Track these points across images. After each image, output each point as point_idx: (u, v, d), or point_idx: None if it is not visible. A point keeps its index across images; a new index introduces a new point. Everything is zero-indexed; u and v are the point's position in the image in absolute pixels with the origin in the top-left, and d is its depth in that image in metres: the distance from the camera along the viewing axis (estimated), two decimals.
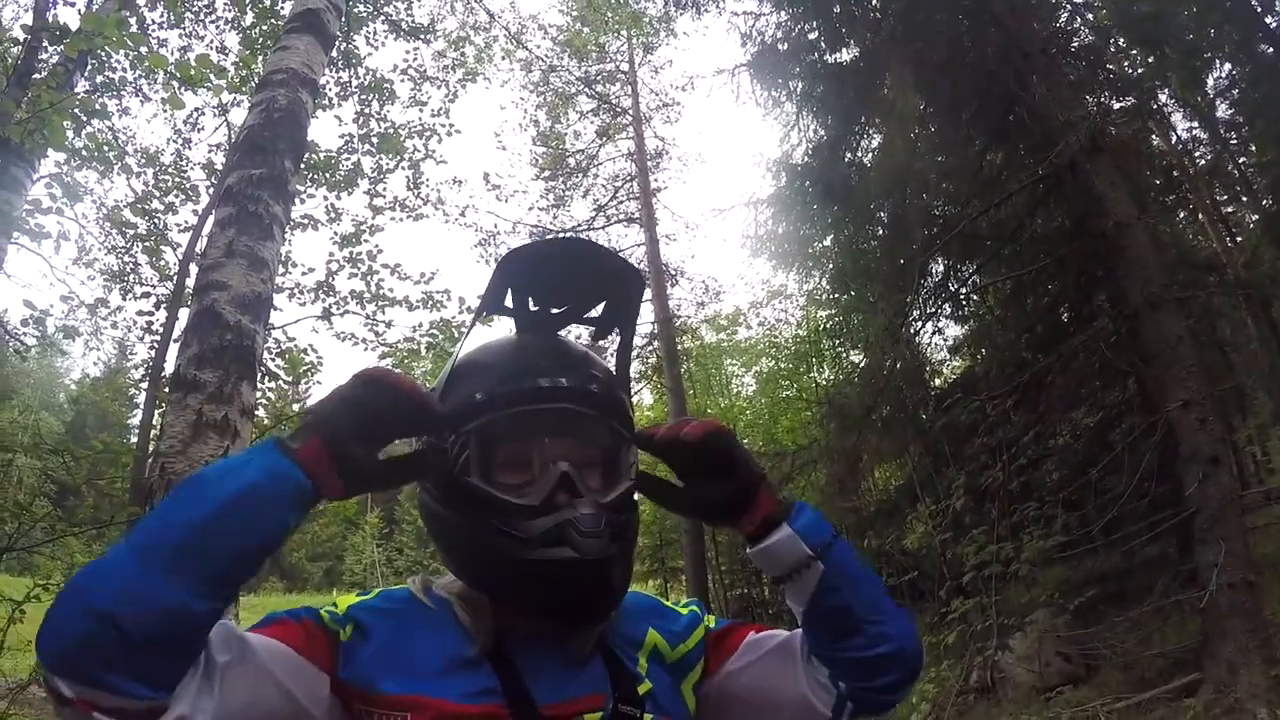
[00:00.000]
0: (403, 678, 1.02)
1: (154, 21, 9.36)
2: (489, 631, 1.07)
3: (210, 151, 10.59)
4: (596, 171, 19.78)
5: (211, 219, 4.18)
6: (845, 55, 10.39)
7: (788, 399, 20.29)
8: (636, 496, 1.16)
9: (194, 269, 8.03)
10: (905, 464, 11.04)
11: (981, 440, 8.52)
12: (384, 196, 10.57)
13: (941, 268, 9.64)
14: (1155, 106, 10.52)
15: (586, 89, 18.95)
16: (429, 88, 11.01)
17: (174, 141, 10.58)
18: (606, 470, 1.13)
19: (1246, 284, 10.29)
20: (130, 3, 6.66)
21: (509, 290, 1.18)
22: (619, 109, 19.44)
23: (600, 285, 1.22)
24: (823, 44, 10.28)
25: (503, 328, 1.24)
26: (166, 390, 3.74)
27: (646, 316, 17.95)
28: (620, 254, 1.23)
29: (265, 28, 8.70)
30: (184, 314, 7.10)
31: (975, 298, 10.24)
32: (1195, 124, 12.02)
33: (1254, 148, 10.97)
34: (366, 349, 9.98)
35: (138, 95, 9.80)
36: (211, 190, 9.90)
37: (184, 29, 9.86)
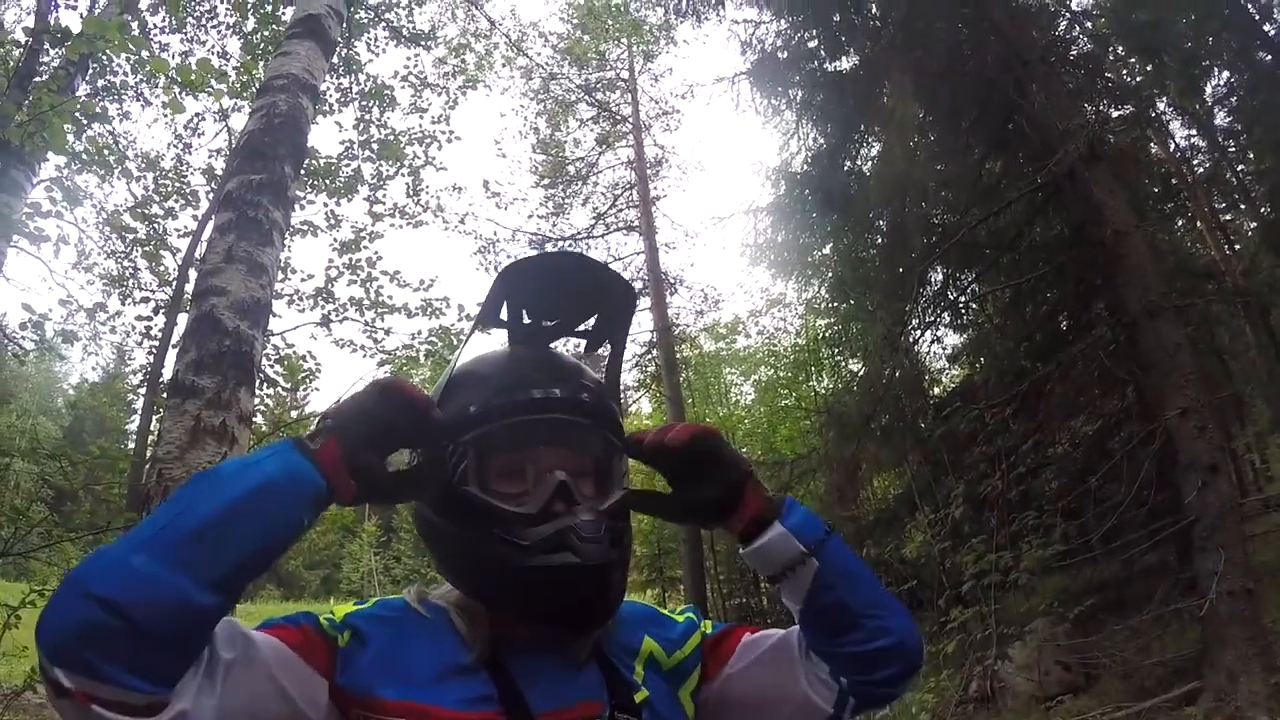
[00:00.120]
0: (400, 685, 1.01)
1: (156, 26, 9.38)
2: (485, 639, 1.07)
3: (210, 156, 10.60)
4: (596, 179, 19.82)
5: (211, 224, 4.17)
6: (845, 63, 10.41)
7: (786, 408, 20.32)
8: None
9: (193, 274, 8.03)
10: (904, 473, 11.03)
11: (980, 449, 8.53)
12: (384, 203, 10.61)
13: (940, 276, 9.64)
14: (1154, 114, 10.54)
15: (586, 97, 18.99)
16: (429, 94, 11.05)
17: (174, 146, 10.59)
18: (600, 479, 1.14)
19: (1245, 292, 10.30)
20: (132, 6, 6.66)
21: (505, 302, 1.20)
22: (619, 117, 19.47)
23: (593, 299, 1.24)
24: (822, 52, 10.29)
25: (500, 339, 1.26)
26: (164, 396, 3.73)
27: (646, 325, 18.00)
28: (613, 268, 1.23)
29: (266, 33, 8.71)
30: (183, 319, 7.10)
31: (974, 306, 10.24)
32: (1194, 132, 12.06)
33: (1252, 155, 11.02)
34: (365, 356, 9.98)
35: (139, 99, 9.81)
36: (211, 195, 9.90)
37: (185, 34, 9.88)
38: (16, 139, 5.48)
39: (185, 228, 10.39)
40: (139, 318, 10.09)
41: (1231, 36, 9.47)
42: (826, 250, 11.96)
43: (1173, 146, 12.44)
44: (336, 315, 9.83)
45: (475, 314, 1.22)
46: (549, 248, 18.39)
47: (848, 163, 10.64)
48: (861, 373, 11.11)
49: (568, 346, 1.31)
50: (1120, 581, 7.74)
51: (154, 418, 9.70)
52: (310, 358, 9.82)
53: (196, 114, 10.49)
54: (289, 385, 10.17)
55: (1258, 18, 9.62)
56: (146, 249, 9.93)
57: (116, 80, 9.33)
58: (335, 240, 10.07)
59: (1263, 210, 11.41)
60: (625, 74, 19.66)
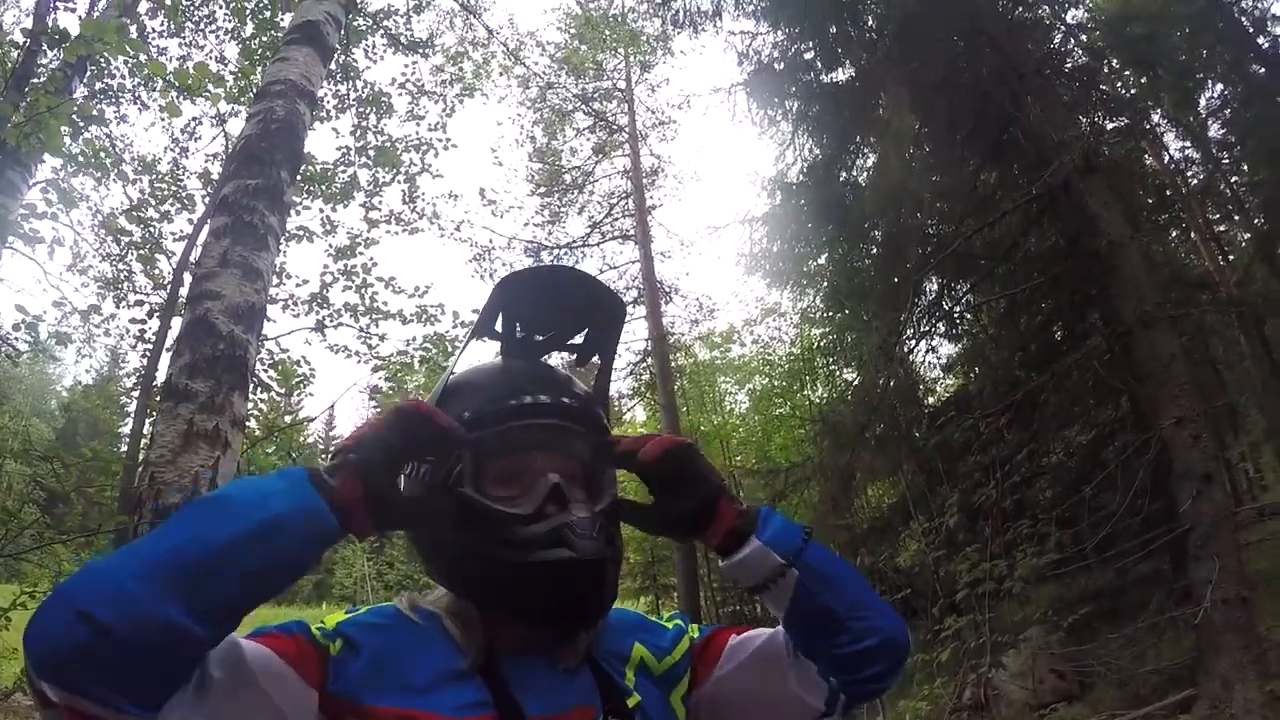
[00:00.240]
0: (394, 692, 1.01)
1: (154, 30, 9.38)
2: (480, 645, 1.08)
3: (207, 161, 10.53)
4: (592, 188, 19.87)
5: (206, 228, 4.16)
6: (841, 75, 10.45)
7: (781, 416, 20.33)
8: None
9: (188, 278, 8.01)
10: (899, 482, 11.04)
11: (975, 458, 8.54)
12: (380, 210, 10.56)
13: (935, 286, 9.67)
14: (1148, 126, 10.59)
15: (583, 106, 19.01)
16: (426, 102, 11.02)
17: (171, 150, 10.57)
18: (590, 484, 1.15)
19: (1239, 302, 10.35)
20: (131, 10, 6.67)
21: (500, 315, 1.23)
22: (615, 126, 19.51)
23: (585, 314, 1.27)
24: (819, 64, 10.32)
25: (493, 349, 1.31)
26: (158, 399, 3.72)
27: (640, 333, 18.01)
28: (605, 284, 1.26)
29: (265, 39, 8.71)
30: (177, 323, 7.08)
31: (969, 316, 10.27)
32: (1188, 144, 12.12)
33: (1246, 167, 11.08)
34: (360, 362, 9.96)
35: (136, 103, 9.80)
36: (207, 200, 9.88)
37: (184, 38, 9.88)
38: (13, 140, 5.47)
39: (181, 231, 10.35)
40: (133, 321, 10.04)
41: (1225, 49, 9.53)
42: (822, 260, 12.00)
43: (1167, 158, 12.51)
44: (331, 321, 9.81)
45: (471, 323, 1.24)
46: (545, 256, 18.47)
47: (843, 173, 10.68)
48: (856, 382, 11.17)
49: (561, 359, 1.35)
50: (1115, 590, 7.75)
51: (147, 421, 9.67)
52: (304, 363, 9.79)
53: (193, 118, 10.48)
54: (283, 390, 10.13)
55: (1251, 31, 9.67)
56: (142, 252, 9.90)
57: (114, 83, 9.32)
58: (331, 246, 10.04)
59: (1256, 221, 11.47)
60: (622, 84, 19.73)
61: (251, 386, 3.75)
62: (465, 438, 1.07)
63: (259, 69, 8.26)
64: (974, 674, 7.73)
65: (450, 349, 9.47)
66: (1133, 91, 10.44)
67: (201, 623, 0.83)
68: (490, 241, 18.40)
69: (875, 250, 10.47)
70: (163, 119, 10.35)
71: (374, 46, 10.04)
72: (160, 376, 8.37)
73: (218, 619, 0.86)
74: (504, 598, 1.07)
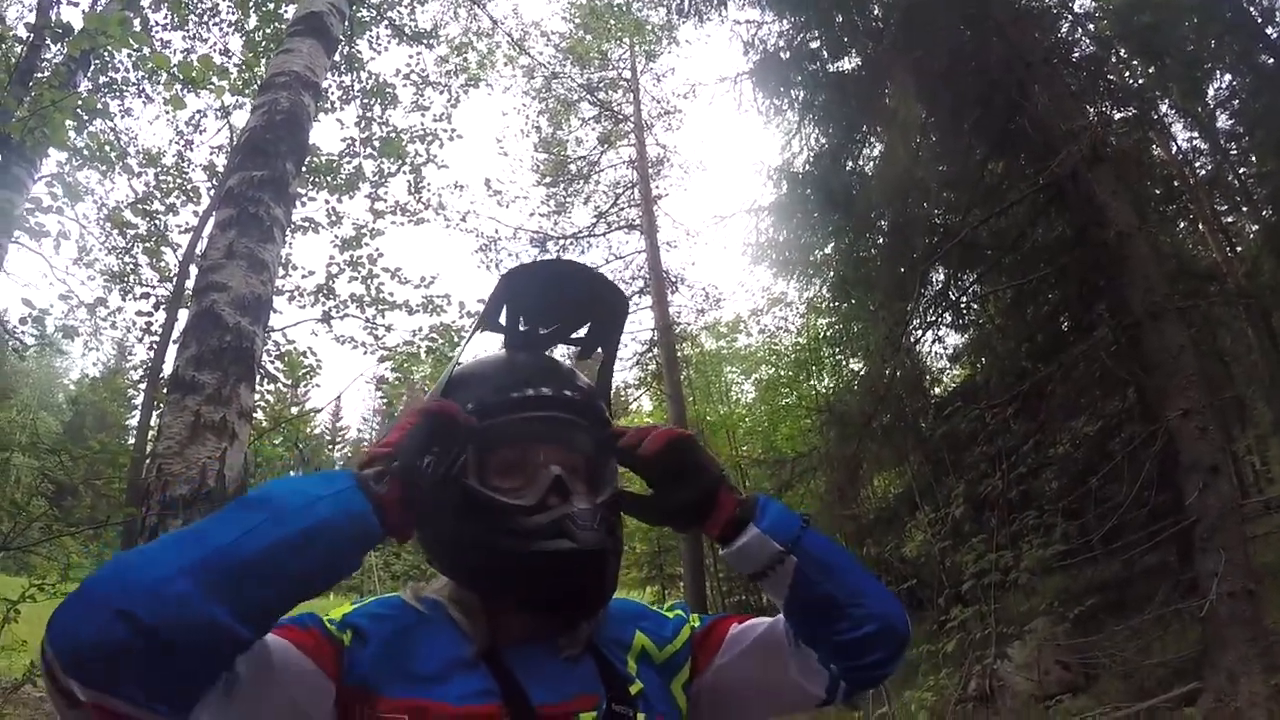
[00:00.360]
0: (403, 681, 1.02)
1: (158, 23, 9.37)
2: (484, 633, 1.09)
3: (212, 153, 10.57)
4: (598, 178, 19.86)
5: (212, 220, 4.16)
6: (847, 64, 10.42)
7: (787, 406, 20.32)
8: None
9: (194, 270, 8.02)
10: (905, 472, 11.05)
11: (981, 449, 8.53)
12: (385, 200, 10.58)
13: (942, 276, 9.64)
14: (1156, 116, 10.54)
15: (588, 96, 19.01)
16: (431, 93, 11.02)
17: (175, 143, 10.58)
18: (591, 477, 1.17)
19: (1247, 294, 10.30)
20: (134, 3, 6.65)
21: (504, 307, 1.24)
22: (621, 116, 19.49)
23: (588, 308, 1.30)
24: (825, 53, 10.28)
25: (497, 341, 1.32)
26: (165, 391, 3.72)
27: (647, 323, 18.02)
28: (609, 278, 1.29)
29: (269, 31, 8.70)
30: (183, 315, 7.10)
31: (976, 306, 10.25)
32: (1196, 134, 12.07)
33: (1254, 158, 11.02)
34: (366, 352, 9.97)
35: (140, 96, 9.81)
36: (212, 192, 9.90)
37: (187, 31, 9.87)
38: (18, 134, 5.48)
39: (186, 224, 10.39)
40: (139, 313, 10.08)
41: (1233, 39, 9.47)
42: (828, 250, 11.95)
43: (1175, 148, 12.45)
44: (337, 312, 9.82)
45: (477, 314, 1.26)
46: (551, 246, 18.47)
47: (850, 163, 10.65)
48: (863, 372, 11.14)
49: (564, 352, 1.39)
50: (1121, 582, 7.75)
51: (154, 413, 9.70)
52: (311, 354, 9.81)
53: (198, 111, 10.48)
54: (289, 381, 10.16)
55: (1259, 20, 9.62)
56: (147, 245, 9.92)
57: (118, 76, 9.34)
58: (336, 237, 10.06)
59: (1264, 213, 11.41)
60: (627, 73, 19.69)
61: (258, 378, 3.76)
62: (476, 431, 1.08)
63: (263, 61, 8.25)
64: (979, 665, 7.73)
65: (456, 339, 9.48)
66: (1140, 81, 10.39)
67: (245, 624, 0.83)
68: (496, 232, 18.35)
69: (882, 240, 10.45)
70: (167, 112, 10.36)
71: (378, 37, 10.04)
72: (167, 369, 8.38)
73: (260, 620, 0.86)
74: (507, 587, 1.08)
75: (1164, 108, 10.96)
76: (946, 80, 8.43)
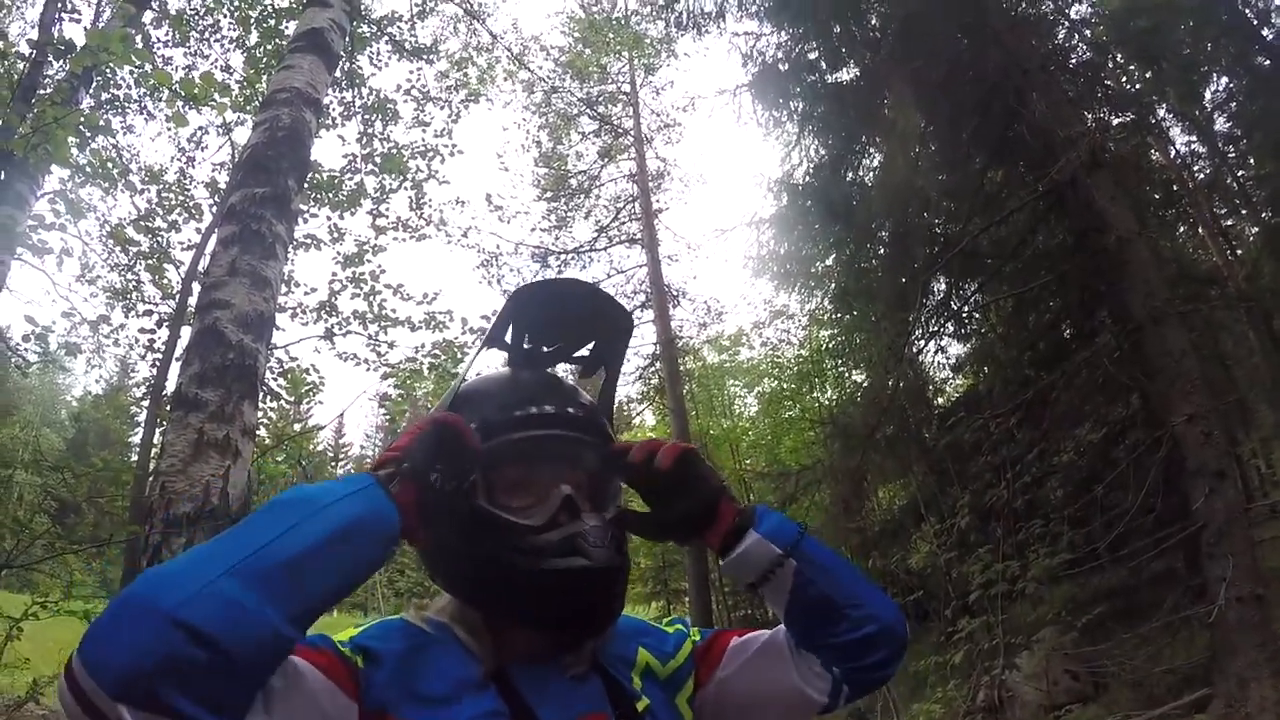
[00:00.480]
0: (417, 703, 1.01)
1: (159, 40, 9.41)
2: (491, 653, 1.08)
3: (214, 170, 10.61)
4: (598, 192, 19.90)
5: (214, 237, 4.17)
6: (845, 75, 10.46)
7: (791, 419, 20.29)
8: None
9: (196, 287, 8.03)
10: (909, 483, 11.04)
11: (985, 458, 8.52)
12: (387, 217, 10.58)
13: (943, 286, 9.65)
14: (1154, 121, 10.55)
15: (588, 110, 19.04)
16: (432, 108, 11.04)
17: (177, 159, 10.61)
18: (595, 494, 1.18)
19: (1248, 297, 10.30)
20: (135, 20, 6.69)
21: (510, 325, 1.25)
22: (621, 130, 19.53)
23: (591, 326, 1.31)
24: (823, 64, 10.33)
25: (499, 359, 1.33)
26: (168, 409, 3.72)
27: (649, 337, 18.01)
28: (614, 297, 1.31)
29: (270, 47, 8.74)
30: (186, 332, 7.10)
31: (977, 315, 10.24)
32: (1194, 138, 12.08)
33: (1252, 160, 11.03)
34: (369, 369, 9.96)
35: (142, 113, 9.84)
36: (215, 208, 9.92)
37: (189, 48, 9.91)
38: (20, 151, 5.49)
39: (188, 241, 10.40)
40: (142, 330, 10.09)
41: (1230, 42, 9.49)
42: (829, 261, 11.97)
43: (1173, 153, 12.46)
44: (340, 329, 9.82)
45: (480, 329, 1.26)
46: (552, 261, 18.49)
47: (850, 173, 10.68)
48: (865, 383, 11.13)
49: (567, 370, 1.38)
50: (1128, 589, 7.71)
51: (157, 430, 9.71)
52: (313, 371, 9.82)
53: (200, 127, 10.51)
54: (292, 398, 10.16)
55: (1255, 22, 9.63)
56: (150, 262, 9.93)
57: (120, 93, 9.37)
58: (338, 254, 10.06)
59: (1264, 215, 11.42)
60: (627, 87, 19.75)
61: (261, 395, 3.75)
62: (483, 456, 1.08)
63: (264, 77, 8.27)
64: (988, 676, 7.70)
65: (459, 355, 9.48)
66: (1138, 86, 10.40)
67: (293, 625, 0.84)
68: (497, 247, 18.40)
69: (883, 250, 10.46)
70: (169, 128, 10.40)
71: (379, 53, 10.06)
72: (170, 386, 8.39)
73: (304, 621, 0.87)
74: (516, 605, 1.08)
75: (1162, 112, 10.99)
76: (945, 89, 8.45)
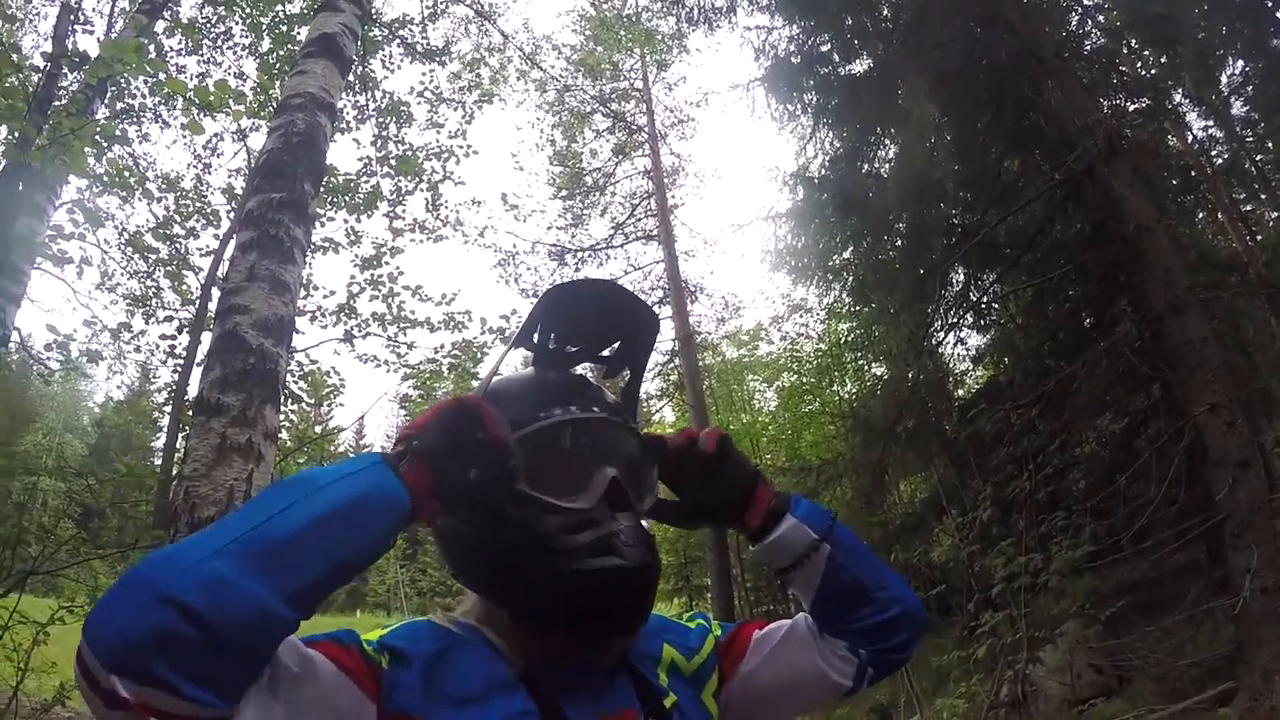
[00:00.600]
0: (446, 705, 1.01)
1: (172, 49, 9.48)
2: (520, 653, 1.08)
3: (230, 176, 10.69)
4: (614, 189, 19.94)
5: (233, 243, 4.20)
6: (859, 66, 10.41)
7: (811, 413, 20.20)
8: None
9: (216, 293, 8.09)
10: (931, 476, 10.98)
11: (1007, 450, 8.47)
12: (403, 218, 10.64)
13: (962, 277, 9.60)
14: (1170, 106, 10.44)
15: (602, 107, 19.07)
16: (446, 110, 11.09)
17: (194, 166, 10.72)
18: (635, 482, 1.16)
19: (1269, 283, 10.18)
20: (148, 30, 6.74)
21: (539, 325, 1.24)
22: (634, 126, 19.55)
23: (615, 327, 1.30)
24: (836, 56, 10.28)
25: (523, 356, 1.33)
26: (190, 414, 3.75)
27: (667, 334, 18.03)
28: (641, 299, 1.29)
29: (282, 53, 8.79)
30: (206, 338, 7.16)
31: (996, 306, 10.17)
32: (1211, 122, 11.92)
33: (1270, 144, 10.89)
34: (389, 371, 10.02)
35: (157, 121, 9.92)
36: (232, 214, 9.99)
37: (202, 56, 9.98)
38: (38, 162, 5.54)
39: (207, 247, 10.51)
40: (163, 336, 10.18)
41: (1245, 24, 9.36)
42: (847, 254, 11.90)
43: (1191, 138, 12.33)
44: (359, 331, 9.88)
45: (500, 328, 1.27)
46: (569, 259, 18.50)
47: (865, 166, 10.62)
48: (885, 376, 11.11)
49: (591, 370, 1.36)
50: (1151, 581, 7.66)
51: (180, 435, 9.79)
52: (334, 373, 9.88)
53: (215, 134, 10.61)
54: (313, 401, 10.22)
55: (1270, 4, 9.51)
56: (169, 269, 10.01)
57: (135, 103, 9.46)
58: (356, 256, 10.13)
59: None
60: (639, 84, 19.77)
61: (282, 398, 3.78)
62: (512, 446, 1.05)
63: (278, 83, 8.32)
64: (1011, 670, 7.66)
65: (479, 355, 9.52)
66: (1153, 71, 10.30)
67: (287, 605, 0.83)
68: (514, 246, 18.49)
69: (900, 242, 10.40)
70: (185, 136, 10.47)
71: (391, 56, 10.11)
72: (192, 391, 8.45)
73: (301, 601, 0.85)
74: (549, 604, 1.06)
75: (1178, 97, 10.87)
76: (959, 79, 8.40)
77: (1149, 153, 8.05)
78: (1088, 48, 9.35)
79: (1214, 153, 12.38)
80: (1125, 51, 9.90)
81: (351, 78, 8.11)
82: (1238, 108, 11.08)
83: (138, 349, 10.74)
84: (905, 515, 11.64)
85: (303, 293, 8.97)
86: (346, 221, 10.22)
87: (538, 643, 1.08)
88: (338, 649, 0.98)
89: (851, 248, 11.50)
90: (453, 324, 9.83)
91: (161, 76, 6.63)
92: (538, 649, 1.08)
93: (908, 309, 9.53)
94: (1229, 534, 5.99)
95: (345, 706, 0.95)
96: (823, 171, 10.99)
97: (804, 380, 21.23)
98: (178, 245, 10.04)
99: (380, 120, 10.15)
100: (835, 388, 17.74)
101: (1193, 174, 11.22)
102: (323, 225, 9.96)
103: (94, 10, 9.13)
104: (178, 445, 10.02)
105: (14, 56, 6.32)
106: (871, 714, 10.16)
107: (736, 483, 1.24)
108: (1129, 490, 7.11)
